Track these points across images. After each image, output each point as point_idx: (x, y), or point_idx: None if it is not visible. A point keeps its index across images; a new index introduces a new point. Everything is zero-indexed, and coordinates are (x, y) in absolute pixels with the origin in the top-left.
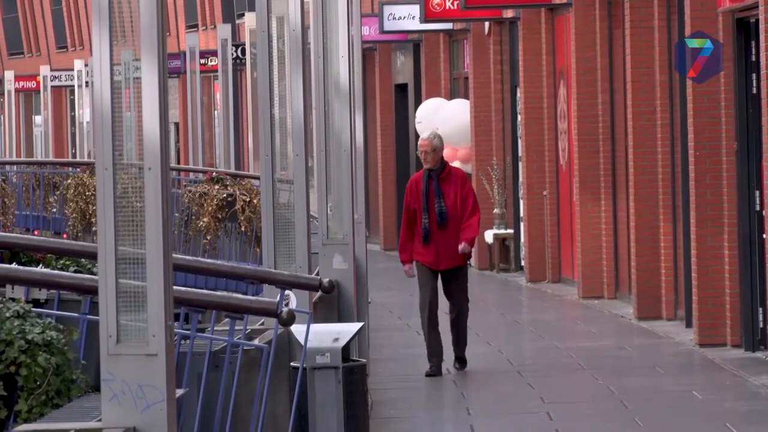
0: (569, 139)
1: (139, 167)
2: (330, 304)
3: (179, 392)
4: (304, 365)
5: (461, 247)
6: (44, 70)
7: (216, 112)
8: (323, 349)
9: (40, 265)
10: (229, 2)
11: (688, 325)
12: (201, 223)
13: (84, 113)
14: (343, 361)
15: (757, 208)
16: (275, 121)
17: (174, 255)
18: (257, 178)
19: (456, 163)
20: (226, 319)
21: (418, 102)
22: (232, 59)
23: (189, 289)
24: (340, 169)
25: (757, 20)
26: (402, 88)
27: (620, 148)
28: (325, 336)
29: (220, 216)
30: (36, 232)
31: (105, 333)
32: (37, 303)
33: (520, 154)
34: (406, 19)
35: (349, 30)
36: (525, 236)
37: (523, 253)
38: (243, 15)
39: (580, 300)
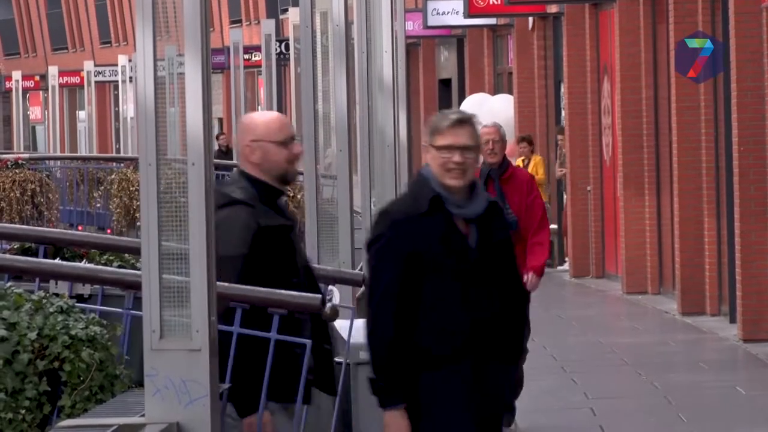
0: (613, 134)
1: (182, 162)
2: None
3: (223, 387)
4: (348, 361)
5: (528, 279)
6: (88, 65)
7: (260, 107)
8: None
9: (84, 261)
10: None
11: (732, 320)
12: None
13: (128, 109)
14: None
15: None
16: (319, 117)
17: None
18: (300, 173)
19: None
20: None
21: (461, 97)
22: (276, 54)
23: (232, 284)
24: (384, 165)
25: None
26: (446, 84)
27: (664, 143)
28: None
29: None
30: (80, 228)
31: (148, 328)
32: (80, 298)
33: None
34: (450, 14)
35: (392, 25)
36: (569, 231)
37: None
38: (287, 10)
39: (624, 295)
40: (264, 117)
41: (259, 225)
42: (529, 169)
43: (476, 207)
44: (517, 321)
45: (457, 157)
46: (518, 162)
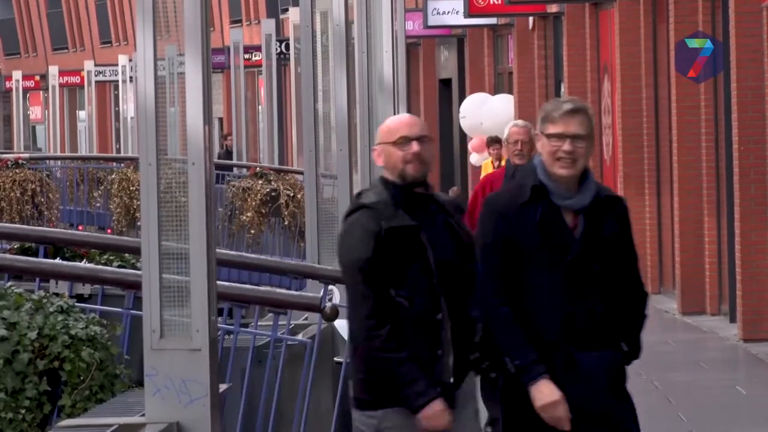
0: (613, 134)
1: (182, 162)
2: None
3: (223, 387)
4: (348, 360)
5: None
6: (88, 65)
7: (260, 107)
8: None
9: (84, 261)
10: None
11: (732, 320)
12: (245, 217)
13: (128, 108)
14: None
15: None
16: (319, 116)
17: (217, 250)
18: (301, 173)
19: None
20: (270, 314)
21: (462, 97)
22: (276, 54)
23: (232, 284)
24: None
25: None
26: (446, 83)
27: (664, 142)
28: None
29: (263, 211)
30: (80, 228)
31: (148, 328)
32: (80, 298)
33: None
34: (450, 14)
35: (393, 25)
36: None
37: None
38: (287, 10)
39: None
40: (389, 119)
41: (381, 227)
42: None
43: (582, 198)
44: (629, 317)
45: (567, 146)
46: (487, 163)
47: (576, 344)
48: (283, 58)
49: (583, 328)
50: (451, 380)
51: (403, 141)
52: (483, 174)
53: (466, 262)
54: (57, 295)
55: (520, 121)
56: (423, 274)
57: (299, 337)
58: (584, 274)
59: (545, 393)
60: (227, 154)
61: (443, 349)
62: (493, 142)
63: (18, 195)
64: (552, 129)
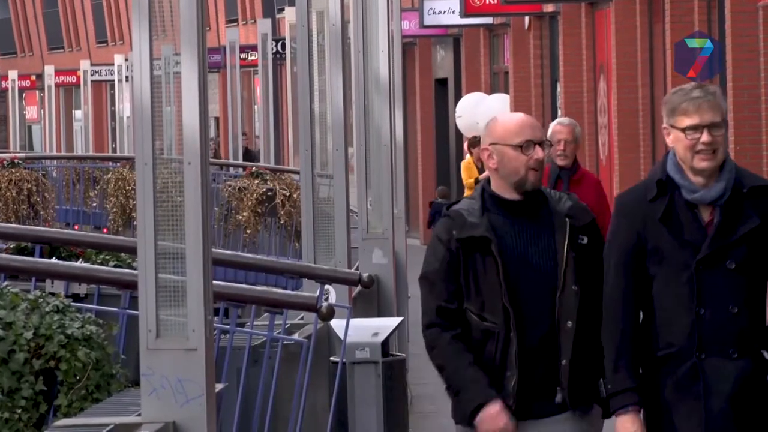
0: (609, 133)
1: (178, 162)
2: (369, 298)
3: (219, 387)
4: (344, 360)
5: None
6: (84, 64)
7: (256, 106)
8: (363, 344)
9: (80, 260)
10: None
11: None
12: (241, 217)
13: (124, 108)
14: (382, 355)
15: None
16: (315, 116)
17: (214, 249)
18: (297, 172)
19: None
20: (266, 314)
21: (458, 96)
22: (272, 54)
23: (228, 283)
24: (380, 164)
25: None
26: (442, 83)
27: (660, 142)
28: (365, 331)
29: (259, 210)
30: (76, 227)
31: (144, 328)
32: (76, 298)
33: None
34: (446, 13)
35: (389, 24)
36: None
37: None
38: (283, 10)
39: None
40: (505, 118)
41: (452, 237)
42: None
43: (711, 191)
44: None
45: (705, 137)
46: (469, 160)
47: (705, 351)
48: (279, 58)
49: (713, 333)
50: (512, 404)
51: (528, 145)
52: (465, 175)
53: (562, 280)
54: (53, 294)
55: (564, 119)
56: (495, 290)
57: (295, 336)
58: (717, 273)
59: (628, 428)
60: (247, 153)
61: (510, 370)
62: (477, 143)
63: (14, 194)
64: (687, 121)
